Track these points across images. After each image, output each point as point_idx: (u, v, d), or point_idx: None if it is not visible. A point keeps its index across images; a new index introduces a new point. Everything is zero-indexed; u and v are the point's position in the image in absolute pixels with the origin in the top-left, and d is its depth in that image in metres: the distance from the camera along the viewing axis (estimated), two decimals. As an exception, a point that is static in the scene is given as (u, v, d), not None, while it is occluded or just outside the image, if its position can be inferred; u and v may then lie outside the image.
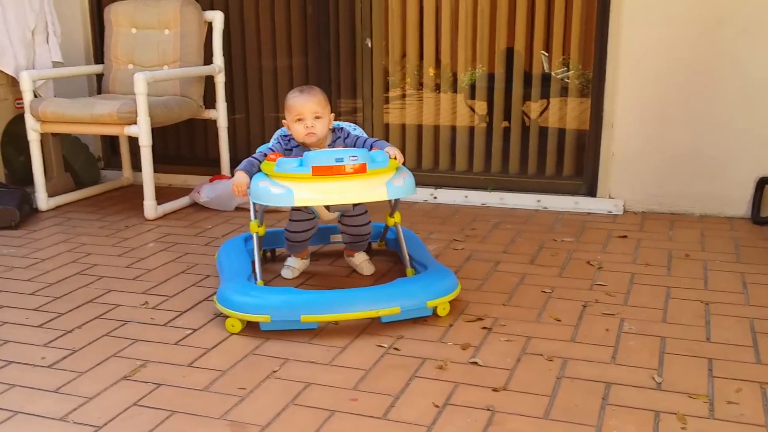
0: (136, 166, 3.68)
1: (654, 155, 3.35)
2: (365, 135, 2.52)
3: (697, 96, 3.24)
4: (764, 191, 3.23)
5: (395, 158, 2.29)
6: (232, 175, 2.37)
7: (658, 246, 2.94)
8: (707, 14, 3.15)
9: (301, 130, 2.36)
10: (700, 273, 2.64)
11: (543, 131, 3.67)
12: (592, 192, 3.50)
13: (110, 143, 4.27)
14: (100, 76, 3.91)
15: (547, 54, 3.63)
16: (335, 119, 2.50)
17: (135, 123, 3.26)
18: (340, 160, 2.16)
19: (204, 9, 3.73)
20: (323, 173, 2.15)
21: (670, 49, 3.23)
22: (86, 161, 4.06)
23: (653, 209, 3.41)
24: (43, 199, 3.55)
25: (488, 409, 1.74)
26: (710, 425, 1.67)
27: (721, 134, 3.24)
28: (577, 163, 3.60)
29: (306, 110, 2.35)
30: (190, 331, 2.19)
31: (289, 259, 2.67)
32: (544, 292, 2.47)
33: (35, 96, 3.51)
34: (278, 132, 2.53)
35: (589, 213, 3.43)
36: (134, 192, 3.86)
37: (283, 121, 2.45)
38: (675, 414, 1.71)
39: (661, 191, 3.38)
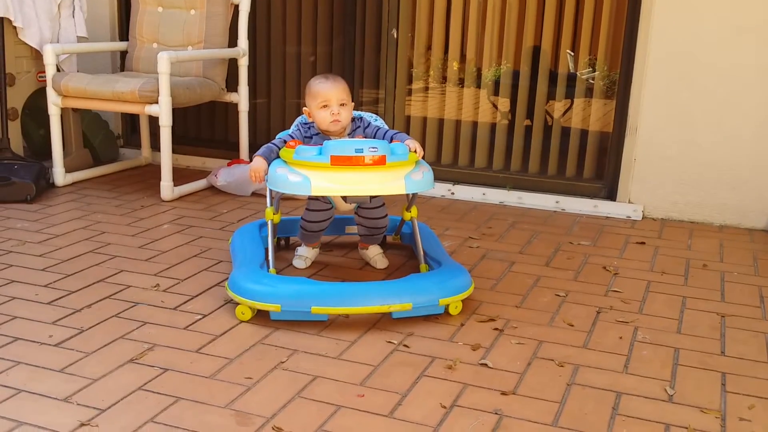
0: (155, 145, 3.68)
1: (676, 162, 3.30)
2: (386, 126, 2.50)
3: (723, 105, 3.18)
4: (788, 204, 3.17)
5: (415, 151, 2.26)
6: (251, 160, 2.35)
7: (676, 254, 2.89)
8: (738, 22, 3.09)
9: (327, 117, 2.34)
10: (717, 284, 2.59)
11: (565, 132, 3.63)
12: (611, 196, 3.46)
13: (130, 121, 4.27)
14: (123, 54, 3.90)
15: (573, 54, 3.58)
16: (355, 108, 2.47)
17: (156, 102, 3.25)
18: (360, 150, 2.13)
19: (231, -9, 3.71)
20: (342, 163, 2.13)
21: (698, 56, 3.17)
22: (105, 138, 4.06)
23: (673, 216, 3.36)
24: (60, 174, 3.55)
25: (496, 413, 1.72)
26: (721, 442, 1.65)
27: (745, 144, 3.19)
28: (598, 165, 3.56)
29: (332, 97, 2.33)
30: (199, 317, 2.18)
31: (299, 248, 2.65)
32: (558, 295, 2.44)
33: (58, 70, 3.50)
34: (298, 119, 2.51)
35: (607, 217, 3.39)
36: (152, 172, 3.85)
37: (304, 108, 2.42)
38: (686, 428, 1.68)
39: (681, 199, 3.33)
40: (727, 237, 3.13)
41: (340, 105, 2.34)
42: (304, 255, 2.62)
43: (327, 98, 2.33)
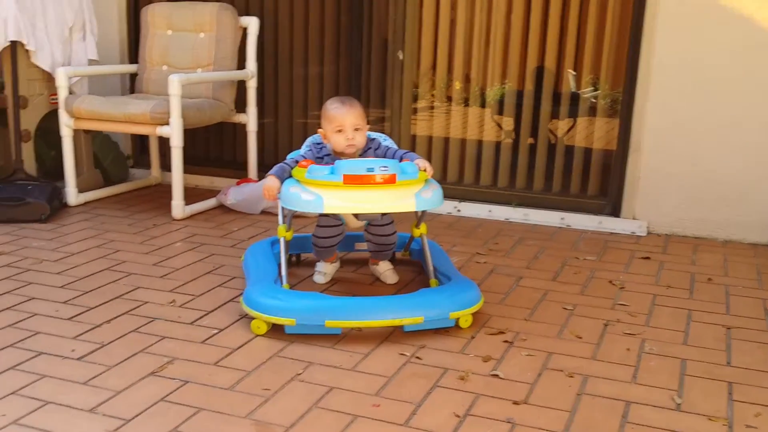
0: (165, 165, 3.74)
1: (680, 179, 3.35)
2: (395, 146, 2.56)
3: (726, 121, 3.24)
4: (789, 219, 3.23)
5: (425, 170, 2.32)
6: (260, 179, 2.40)
7: (681, 269, 2.94)
8: (741, 39, 3.16)
9: (342, 141, 2.40)
10: (722, 297, 2.64)
11: (569, 149, 3.69)
12: (616, 212, 3.51)
13: (140, 142, 4.34)
14: (133, 76, 3.98)
15: (575, 73, 3.65)
16: (366, 129, 2.53)
17: (167, 123, 3.32)
18: (371, 169, 2.19)
19: (240, 14, 3.79)
20: (354, 182, 2.19)
21: (701, 73, 3.24)
22: (116, 159, 4.12)
23: (677, 232, 3.41)
24: (72, 194, 3.61)
25: (508, 422, 1.76)
26: (730, 449, 1.69)
27: (748, 161, 3.25)
28: (602, 182, 3.62)
29: (347, 122, 2.39)
30: (216, 331, 2.23)
31: (318, 264, 2.70)
32: (566, 309, 2.49)
33: (70, 92, 3.58)
34: (310, 139, 2.57)
35: (612, 233, 3.44)
36: (161, 191, 3.92)
37: (319, 129, 2.48)
38: (694, 436, 1.73)
39: (685, 215, 3.38)
40: (731, 252, 3.18)
41: (355, 129, 2.40)
42: (324, 271, 2.68)
43: (342, 123, 2.39)
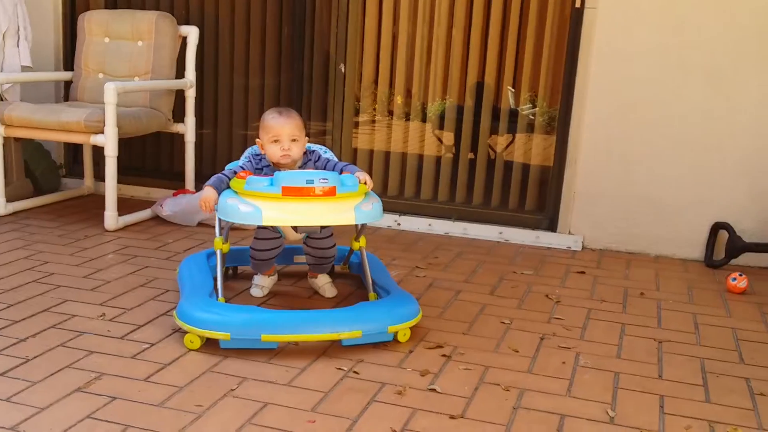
0: (98, 175, 3.65)
1: (614, 195, 3.43)
2: (336, 158, 2.54)
3: (658, 139, 3.34)
4: (718, 236, 3.33)
5: (365, 183, 2.31)
6: (197, 190, 2.36)
7: (615, 283, 3.00)
8: (674, 61, 3.26)
9: (277, 152, 2.37)
10: (653, 311, 2.70)
11: (508, 165, 3.74)
12: (552, 227, 3.57)
13: (73, 151, 4.21)
14: (68, 84, 3.87)
15: (514, 90, 3.71)
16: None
17: (102, 132, 3.23)
18: (311, 182, 2.17)
19: (180, 23, 3.73)
20: (293, 194, 2.16)
21: (635, 92, 3.32)
22: (47, 168, 3.99)
23: (611, 247, 3.49)
24: (1, 204, 3.48)
25: (445, 436, 1.76)
26: (660, 461, 1.71)
27: (679, 178, 3.34)
28: (540, 198, 3.67)
29: (283, 133, 2.36)
30: (147, 345, 2.16)
31: (255, 277, 2.66)
32: (504, 323, 2.50)
33: (1, 99, 3.45)
34: (249, 150, 2.53)
35: (549, 247, 3.49)
36: (95, 202, 3.80)
37: (257, 140, 2.45)
38: (626, 448, 1.75)
39: (619, 230, 3.46)
40: (663, 267, 3.27)
41: (292, 140, 2.37)
42: (261, 284, 2.63)
43: (278, 133, 2.37)
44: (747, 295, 2.94)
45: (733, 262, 3.27)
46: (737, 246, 3.21)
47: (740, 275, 2.97)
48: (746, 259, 3.29)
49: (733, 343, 2.44)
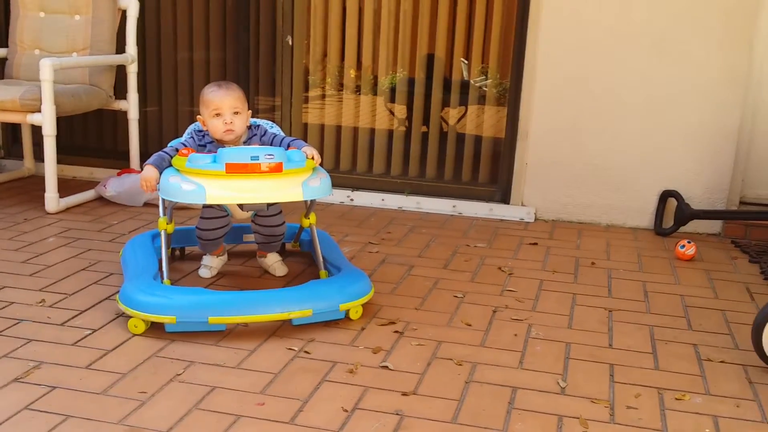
0: (39, 156, 3.51)
1: (564, 165, 3.43)
2: (282, 133, 2.48)
3: (607, 109, 3.34)
4: (667, 204, 3.36)
5: (312, 158, 2.26)
6: (142, 170, 2.28)
7: (566, 254, 3.01)
8: (621, 30, 3.25)
9: (220, 126, 2.30)
10: (604, 281, 2.71)
11: (460, 138, 3.71)
12: (505, 199, 3.56)
13: (12, 131, 4.06)
14: (3, 61, 3.70)
15: (466, 62, 3.67)
16: (252, 116, 2.45)
17: (39, 111, 3.10)
18: (256, 158, 2.11)
19: (118, -4, 3.59)
20: (237, 171, 2.10)
21: (584, 63, 3.32)
22: (-16, 149, 3.84)
23: (563, 218, 3.50)
24: (-66, 188, 3.34)
25: (397, 414, 1.73)
26: (611, 429, 1.72)
27: (628, 147, 3.36)
28: (493, 170, 3.66)
29: (225, 105, 2.29)
30: (89, 332, 2.09)
31: (204, 258, 2.59)
32: (456, 297, 2.49)
33: (-71, 77, 3.29)
34: (191, 127, 2.45)
35: (502, 220, 3.48)
36: (35, 183, 3.67)
37: (198, 116, 2.37)
38: (577, 418, 1.75)
39: (571, 201, 3.47)
40: (613, 236, 3.29)
41: (234, 113, 2.30)
42: (209, 264, 2.57)
43: (219, 107, 2.29)
44: (695, 261, 2.98)
45: (682, 229, 3.31)
46: (686, 214, 3.25)
47: (689, 242, 3.00)
48: (694, 226, 3.34)
49: (682, 310, 2.46)
